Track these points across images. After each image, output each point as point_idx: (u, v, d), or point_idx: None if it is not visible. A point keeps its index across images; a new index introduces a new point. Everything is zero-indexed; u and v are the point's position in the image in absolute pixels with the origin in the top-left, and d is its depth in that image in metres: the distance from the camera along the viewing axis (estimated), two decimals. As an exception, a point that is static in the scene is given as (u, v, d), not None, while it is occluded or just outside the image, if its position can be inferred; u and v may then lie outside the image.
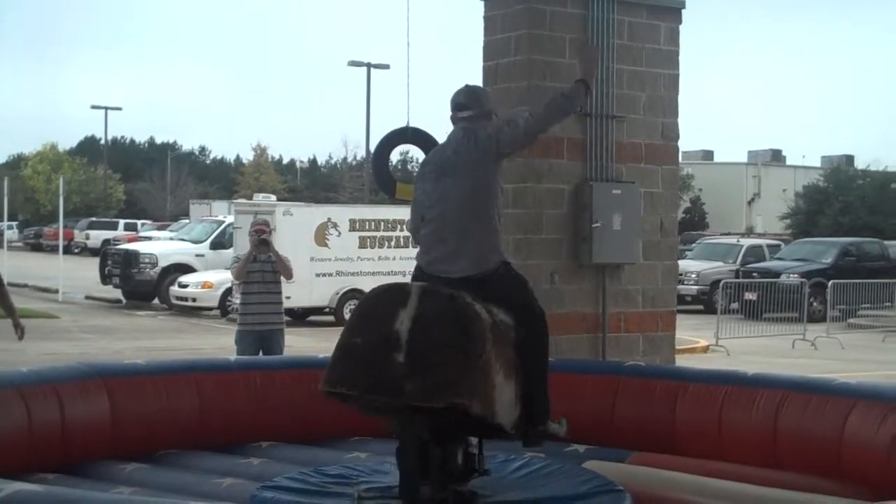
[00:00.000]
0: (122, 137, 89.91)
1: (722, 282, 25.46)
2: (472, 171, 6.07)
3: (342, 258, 25.27)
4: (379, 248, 25.63)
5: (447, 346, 5.52)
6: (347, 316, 25.04)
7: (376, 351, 5.53)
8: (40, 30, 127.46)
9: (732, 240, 38.35)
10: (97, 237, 57.56)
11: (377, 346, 5.54)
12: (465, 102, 6.26)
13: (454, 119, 6.30)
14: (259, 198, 31.31)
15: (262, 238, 11.13)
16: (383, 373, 5.49)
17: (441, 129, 6.57)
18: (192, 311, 27.09)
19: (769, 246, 35.52)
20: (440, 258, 6.08)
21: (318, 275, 24.76)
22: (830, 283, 25.33)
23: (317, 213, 26.08)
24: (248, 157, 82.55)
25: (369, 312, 5.76)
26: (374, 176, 10.73)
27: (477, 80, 9.03)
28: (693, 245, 38.62)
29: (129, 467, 6.80)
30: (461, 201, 6.05)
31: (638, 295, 9.03)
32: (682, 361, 9.94)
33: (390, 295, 5.72)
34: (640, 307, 9.02)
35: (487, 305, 5.88)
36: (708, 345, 21.64)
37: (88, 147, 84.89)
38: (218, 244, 29.22)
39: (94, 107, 69.69)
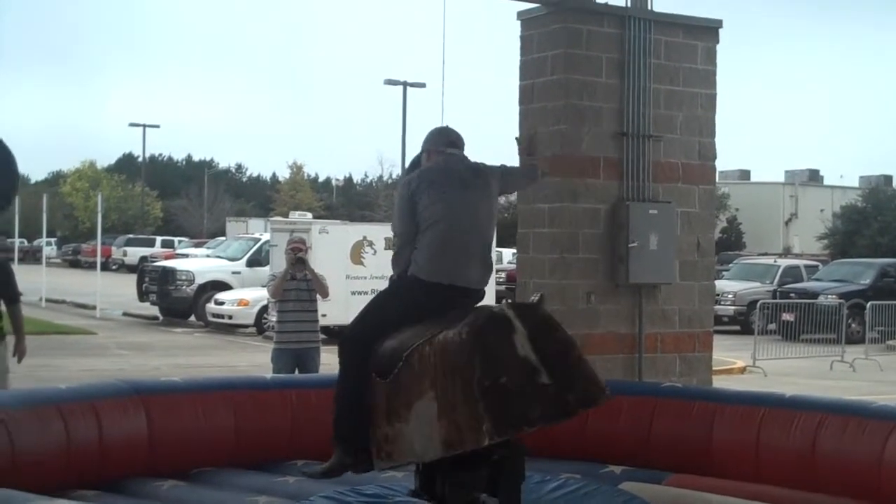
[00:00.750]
0: (160, 155, 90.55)
1: (759, 302, 25.26)
2: (493, 193, 6.37)
3: (378, 276, 25.23)
4: (414, 266, 25.64)
5: (567, 351, 5.68)
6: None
7: (525, 381, 5.54)
8: (79, 48, 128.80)
9: (770, 260, 38.07)
10: (134, 254, 57.94)
11: (521, 376, 5.54)
12: (457, 142, 6.48)
13: (446, 155, 6.40)
14: (295, 216, 31.40)
15: (298, 256, 11.16)
16: (543, 398, 5.55)
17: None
18: (229, 328, 27.17)
19: (807, 266, 35.25)
20: (465, 267, 6.09)
21: (353, 293, 24.76)
22: (869, 304, 25.10)
23: (352, 232, 26.12)
24: (284, 174, 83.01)
25: (489, 351, 5.59)
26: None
27: (513, 98, 9.07)
28: (730, 265, 38.40)
29: (166, 485, 6.82)
30: (489, 218, 6.29)
31: (675, 315, 9.00)
32: (719, 382, 9.89)
33: (493, 326, 5.64)
34: (676, 327, 8.99)
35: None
36: (745, 366, 21.48)
37: (126, 164, 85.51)
38: (254, 262, 29.30)
39: (132, 124, 70.25)
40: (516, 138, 7.88)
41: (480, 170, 6.35)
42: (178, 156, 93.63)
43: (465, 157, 6.41)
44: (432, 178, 6.23)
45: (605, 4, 8.97)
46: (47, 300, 33.86)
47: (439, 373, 5.62)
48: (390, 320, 6.07)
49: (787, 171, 76.22)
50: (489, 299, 7.04)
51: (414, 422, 5.73)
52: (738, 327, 29.52)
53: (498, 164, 6.57)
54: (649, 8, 9.08)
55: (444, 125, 6.66)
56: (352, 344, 6.18)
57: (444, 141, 6.43)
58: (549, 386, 5.52)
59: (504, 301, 5.97)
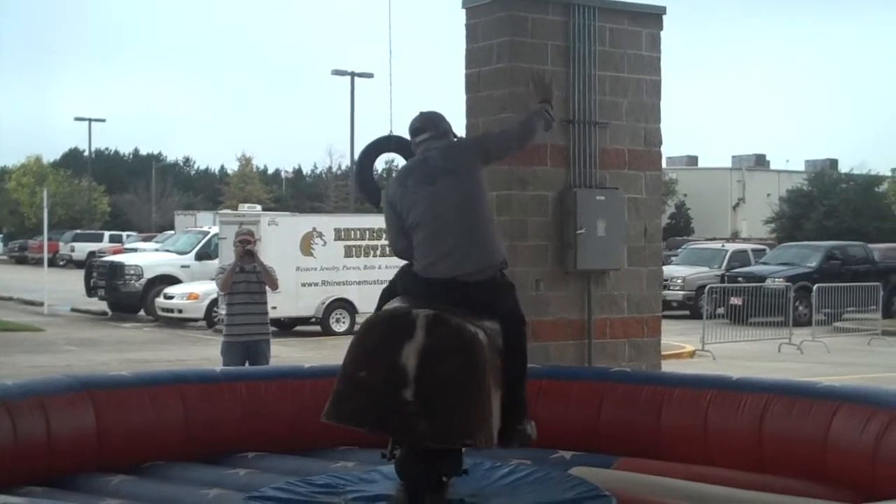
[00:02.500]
0: (107, 149, 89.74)
1: (707, 287, 25.50)
2: (463, 175, 6.13)
3: (328, 267, 25.28)
4: (364, 256, 25.63)
5: (456, 385, 5.47)
6: (334, 326, 25.18)
7: (384, 386, 5.47)
8: (24, 42, 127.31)
9: (717, 245, 38.44)
10: (82, 249, 57.42)
11: (384, 380, 5.47)
12: (422, 126, 6.36)
13: (415, 146, 6.37)
14: (244, 208, 31.29)
15: (247, 249, 11.12)
16: (393, 410, 5.46)
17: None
18: (178, 322, 27.05)
19: (754, 250, 35.62)
20: (439, 258, 6.00)
21: (303, 284, 24.75)
22: (815, 286, 25.42)
23: (302, 223, 26.08)
24: (232, 167, 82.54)
25: (373, 344, 5.61)
26: (358, 185, 10.73)
27: (459, 87, 9.07)
28: (678, 250, 38.75)
29: (116, 479, 6.78)
30: (457, 203, 6.07)
31: (623, 301, 9.05)
32: (669, 367, 9.99)
33: (395, 325, 5.61)
34: (625, 313, 9.04)
35: (479, 317, 5.84)
36: (694, 350, 21.68)
37: (72, 159, 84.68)
38: (203, 255, 29.17)
39: (77, 119, 69.68)
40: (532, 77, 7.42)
41: (449, 154, 6.23)
42: (125, 150, 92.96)
43: (433, 145, 6.28)
44: (405, 180, 6.19)
45: (550, -8, 8.98)
46: (-6, 297, 33.57)
47: None
48: None
49: (734, 157, 76.87)
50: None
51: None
52: (687, 312, 29.80)
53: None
54: (593, -5, 9.11)
55: (416, 114, 6.52)
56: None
57: (411, 132, 6.39)
58: (408, 403, 5.43)
59: (433, 312, 5.69)
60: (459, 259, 5.99)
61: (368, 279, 24.65)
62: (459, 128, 9.04)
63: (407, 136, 6.47)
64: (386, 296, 6.21)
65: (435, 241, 6.03)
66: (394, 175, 6.29)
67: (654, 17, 9.33)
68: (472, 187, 6.16)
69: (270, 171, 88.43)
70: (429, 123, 6.38)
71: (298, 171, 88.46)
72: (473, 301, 5.93)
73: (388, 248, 25.87)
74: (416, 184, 6.13)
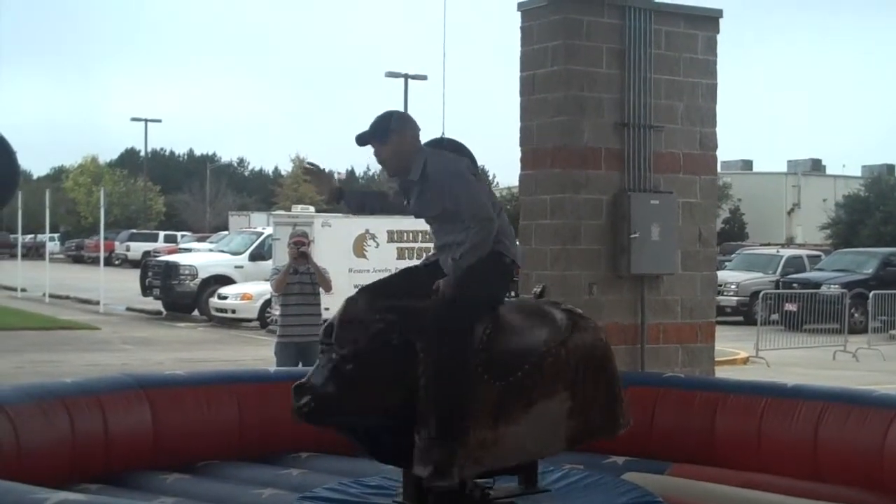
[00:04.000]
0: (162, 149, 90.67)
1: (762, 293, 25.25)
2: None
3: (380, 269, 25.24)
4: (417, 258, 25.61)
5: None
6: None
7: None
8: (81, 43, 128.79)
9: (772, 250, 38.06)
10: (137, 249, 57.98)
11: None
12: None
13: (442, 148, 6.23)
14: (297, 209, 31.41)
15: (300, 250, 11.18)
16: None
17: (477, 138, 6.54)
18: (232, 322, 27.20)
19: (809, 256, 35.24)
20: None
21: (356, 286, 24.52)
22: (871, 293, 25.10)
23: (355, 225, 26.12)
24: (286, 168, 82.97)
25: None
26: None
27: (514, 90, 9.07)
28: (732, 255, 38.39)
29: (171, 478, 6.85)
30: None
31: (677, 306, 9.01)
32: (722, 373, 9.90)
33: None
34: (678, 318, 9.00)
35: None
36: (748, 356, 21.50)
37: (129, 159, 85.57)
38: (257, 256, 29.31)
39: (134, 119, 70.31)
40: None
41: None
42: (181, 150, 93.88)
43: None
44: (471, 166, 6.12)
45: (606, -5, 8.96)
46: (51, 296, 33.91)
47: (579, 374, 5.89)
48: (483, 307, 5.92)
49: (789, 161, 76.16)
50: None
51: (531, 422, 5.78)
52: (740, 318, 29.53)
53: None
54: (649, -2, 9.08)
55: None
56: (460, 337, 5.75)
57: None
58: None
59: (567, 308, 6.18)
60: None
61: (421, 281, 24.65)
62: (514, 130, 9.08)
63: (458, 138, 6.44)
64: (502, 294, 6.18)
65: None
66: (452, 157, 6.06)
67: (711, 20, 9.28)
68: None
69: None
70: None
71: (351, 173, 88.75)
72: None
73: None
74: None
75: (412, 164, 5.98)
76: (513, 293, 6.55)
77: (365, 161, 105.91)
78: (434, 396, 5.64)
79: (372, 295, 5.95)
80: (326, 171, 6.69)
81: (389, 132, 5.99)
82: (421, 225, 25.89)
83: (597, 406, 5.96)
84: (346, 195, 6.35)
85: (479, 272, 5.79)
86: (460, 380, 5.66)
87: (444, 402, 5.64)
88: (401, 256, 25.52)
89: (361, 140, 6.06)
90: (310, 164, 6.60)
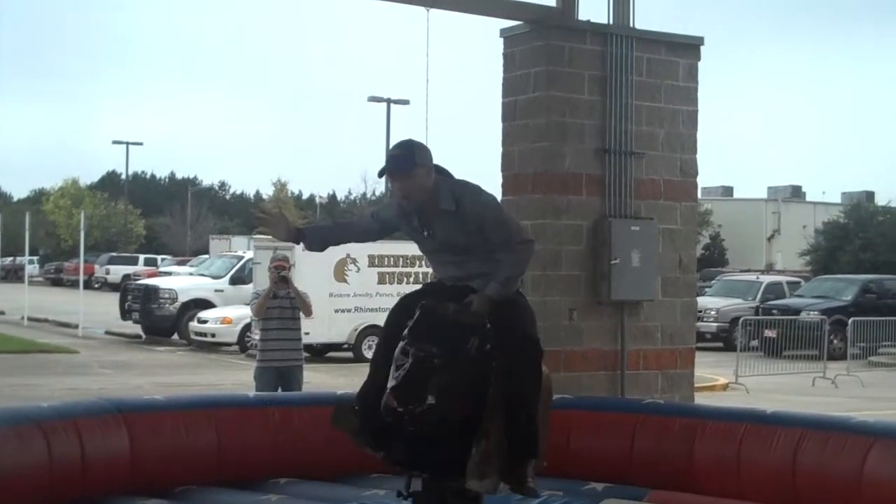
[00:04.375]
0: (143, 172, 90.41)
1: (741, 319, 25.31)
2: None
3: (361, 294, 25.28)
4: (398, 283, 25.62)
5: None
6: (366, 352, 25.21)
7: None
8: (63, 66, 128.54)
9: (752, 276, 38.18)
10: (117, 272, 57.73)
11: None
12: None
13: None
14: (279, 233, 31.31)
15: (281, 275, 11.16)
16: None
17: (458, 163, 6.48)
18: (212, 346, 27.11)
19: (789, 283, 35.36)
20: None
21: (337, 311, 24.77)
22: (851, 320, 25.20)
23: (336, 249, 25.82)
24: (267, 192, 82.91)
25: None
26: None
27: (496, 115, 9.09)
28: (712, 282, 38.51)
29: (148, 503, 6.80)
30: None
31: (657, 332, 9.02)
32: (701, 399, 9.93)
33: None
34: (658, 344, 9.01)
35: None
36: (727, 382, 21.52)
37: (109, 182, 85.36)
38: (237, 279, 29.25)
39: (115, 142, 70.28)
40: None
41: None
42: (162, 173, 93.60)
43: None
44: None
45: (588, 22, 9.01)
46: (29, 318, 33.74)
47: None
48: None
49: (769, 188, 76.51)
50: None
51: None
52: (720, 344, 29.60)
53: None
54: (631, 25, 9.13)
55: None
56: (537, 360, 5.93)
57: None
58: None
59: None
60: None
61: (401, 306, 24.60)
62: (495, 155, 9.10)
63: (440, 163, 6.40)
64: None
65: None
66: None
67: (692, 47, 9.33)
68: None
69: (305, 196, 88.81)
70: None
71: (333, 197, 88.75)
72: None
73: (421, 276, 25.74)
74: None
75: (438, 195, 5.90)
76: None
77: (346, 186, 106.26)
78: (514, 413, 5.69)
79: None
80: (279, 212, 6.49)
81: (415, 166, 5.81)
82: (401, 250, 25.95)
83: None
84: (305, 236, 6.14)
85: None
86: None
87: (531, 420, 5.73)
88: (381, 281, 25.50)
89: (385, 173, 5.87)
90: (262, 212, 6.49)
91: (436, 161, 5.96)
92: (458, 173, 6.21)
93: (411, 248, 25.52)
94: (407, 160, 5.80)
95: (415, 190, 5.84)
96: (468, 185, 5.98)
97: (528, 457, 5.69)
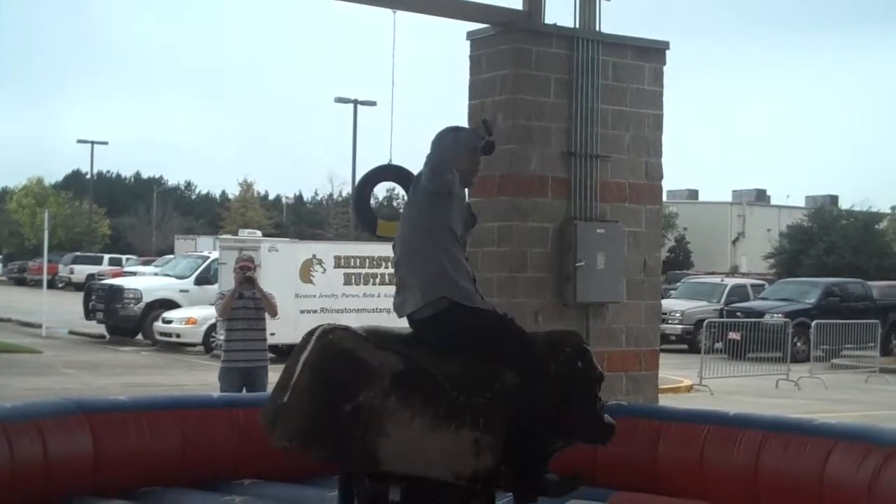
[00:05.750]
0: (108, 172, 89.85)
1: (706, 321, 25.45)
2: (418, 208, 5.86)
3: (327, 295, 25.26)
4: (364, 284, 25.63)
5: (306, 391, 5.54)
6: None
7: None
8: (27, 63, 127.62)
9: (716, 279, 38.44)
10: (81, 272, 57.40)
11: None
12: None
13: None
14: (244, 233, 31.29)
15: (246, 275, 11.13)
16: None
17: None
18: (176, 346, 27.02)
19: (753, 285, 35.60)
20: (399, 300, 5.84)
21: (302, 311, 24.71)
22: (814, 323, 25.39)
23: (302, 250, 26.07)
24: (233, 192, 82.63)
25: None
26: (355, 213, 10.79)
27: (462, 117, 9.11)
28: (677, 284, 38.75)
29: (112, 504, 6.78)
30: (410, 236, 5.86)
31: (622, 334, 9.06)
32: (666, 401, 9.98)
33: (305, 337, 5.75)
34: (623, 346, 9.05)
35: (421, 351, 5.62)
36: (692, 384, 21.64)
37: (74, 181, 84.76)
38: (203, 280, 29.15)
39: (80, 141, 69.89)
40: (483, 121, 6.55)
41: (416, 180, 5.98)
42: (127, 173, 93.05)
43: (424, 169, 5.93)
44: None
45: (554, 25, 9.04)
46: (-8, 318, 33.55)
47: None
48: None
49: (734, 191, 77.01)
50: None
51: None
52: (685, 346, 29.77)
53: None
54: (597, 29, 9.16)
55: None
56: None
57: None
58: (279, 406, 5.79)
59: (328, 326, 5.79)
60: (406, 301, 5.80)
61: (367, 307, 24.60)
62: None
63: (406, 165, 6.38)
64: None
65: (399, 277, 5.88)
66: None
67: (658, 51, 9.38)
68: (419, 218, 5.83)
69: (271, 196, 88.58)
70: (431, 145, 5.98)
71: (299, 198, 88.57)
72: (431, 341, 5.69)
73: (387, 277, 25.65)
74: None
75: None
76: None
77: (313, 187, 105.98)
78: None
79: None
80: None
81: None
82: (367, 251, 25.94)
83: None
84: None
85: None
86: None
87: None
88: (347, 282, 25.49)
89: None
90: None
91: (399, 162, 5.96)
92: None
93: (378, 250, 25.55)
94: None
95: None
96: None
97: None
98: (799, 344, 26.41)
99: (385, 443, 5.40)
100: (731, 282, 36.50)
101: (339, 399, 5.42)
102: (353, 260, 25.68)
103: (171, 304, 28.55)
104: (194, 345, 26.72)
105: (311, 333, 5.68)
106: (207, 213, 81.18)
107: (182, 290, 29.25)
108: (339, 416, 5.41)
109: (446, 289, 5.63)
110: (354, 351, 5.51)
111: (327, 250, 26.07)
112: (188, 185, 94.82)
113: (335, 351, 5.53)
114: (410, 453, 5.43)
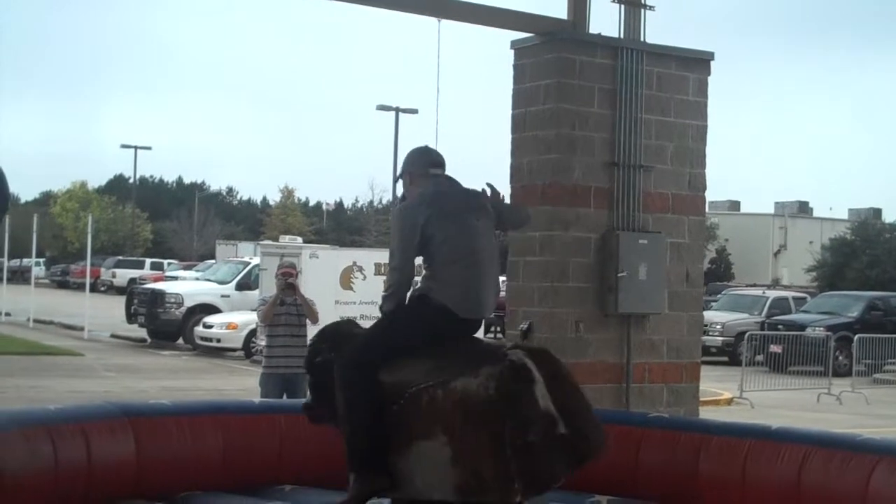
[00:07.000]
0: (151, 177, 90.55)
1: (747, 334, 25.28)
2: (493, 216, 6.29)
3: (367, 301, 25.26)
4: (404, 292, 25.65)
5: (576, 396, 5.86)
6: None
7: (547, 437, 5.70)
8: (72, 68, 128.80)
9: (758, 291, 38.15)
10: (123, 276, 57.88)
11: (545, 432, 5.71)
12: (443, 164, 6.30)
13: (432, 176, 6.21)
14: (285, 240, 31.41)
15: (288, 282, 11.17)
16: (563, 450, 5.76)
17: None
18: (217, 351, 27.12)
19: (795, 298, 35.31)
20: (488, 298, 6.09)
21: (342, 318, 24.75)
22: (856, 337, 25.16)
23: (342, 257, 26.13)
24: (275, 198, 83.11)
25: (517, 409, 5.67)
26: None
27: (505, 126, 9.12)
28: (718, 296, 38.47)
29: (152, 507, 6.81)
30: (492, 244, 6.21)
31: (663, 345, 9.02)
32: (706, 413, 9.93)
33: (516, 379, 5.68)
34: (664, 358, 9.02)
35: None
36: (732, 397, 21.50)
37: (117, 186, 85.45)
38: (243, 285, 29.26)
39: (123, 146, 70.22)
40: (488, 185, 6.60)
41: (478, 193, 6.26)
42: (169, 178, 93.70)
43: (455, 180, 6.24)
44: (445, 208, 6.02)
45: (599, 35, 9.03)
46: (35, 321, 33.78)
47: (457, 420, 5.63)
48: (398, 347, 6.00)
49: (776, 203, 76.56)
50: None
51: (414, 459, 5.73)
52: (725, 358, 29.56)
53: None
54: (642, 39, 9.15)
55: (425, 145, 6.44)
56: (361, 369, 5.91)
57: (428, 161, 6.24)
58: (565, 436, 5.57)
59: (512, 345, 5.98)
60: (494, 296, 6.15)
61: (407, 315, 24.59)
62: (504, 166, 9.12)
63: (449, 173, 6.39)
64: (425, 338, 6.07)
65: (479, 279, 6.04)
66: (424, 199, 6.06)
67: (703, 62, 9.35)
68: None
69: (312, 203, 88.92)
70: (444, 162, 6.31)
71: (340, 205, 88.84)
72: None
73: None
74: (461, 214, 6.05)
75: None
76: (498, 329, 6.52)
77: (353, 194, 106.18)
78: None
79: None
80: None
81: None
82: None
83: (485, 460, 5.58)
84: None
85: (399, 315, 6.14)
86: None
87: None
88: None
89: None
90: None
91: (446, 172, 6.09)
92: (466, 184, 6.26)
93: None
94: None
95: None
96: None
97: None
98: (841, 358, 26.17)
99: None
100: (772, 294, 36.21)
101: None
102: (393, 267, 25.70)
103: (212, 309, 28.66)
104: (234, 350, 26.82)
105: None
106: (248, 219, 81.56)
107: (223, 296, 29.38)
108: None
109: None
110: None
111: (368, 257, 26.10)
112: (230, 190, 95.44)
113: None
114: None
